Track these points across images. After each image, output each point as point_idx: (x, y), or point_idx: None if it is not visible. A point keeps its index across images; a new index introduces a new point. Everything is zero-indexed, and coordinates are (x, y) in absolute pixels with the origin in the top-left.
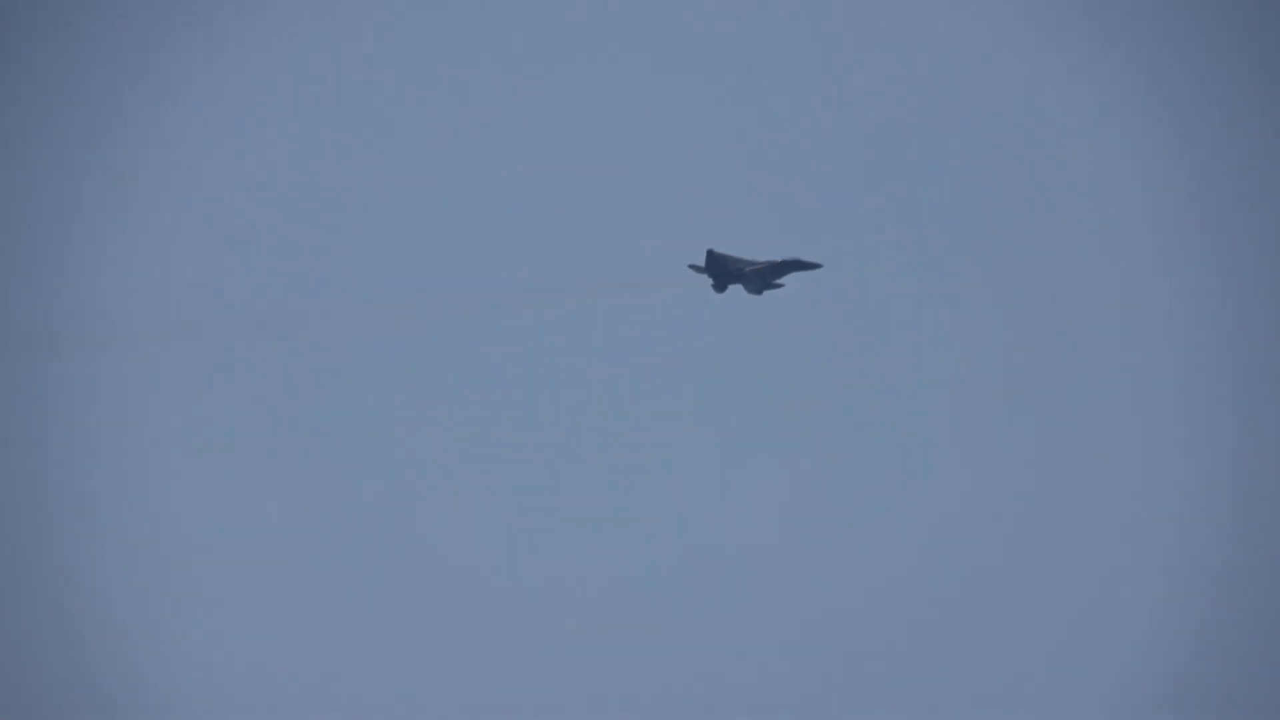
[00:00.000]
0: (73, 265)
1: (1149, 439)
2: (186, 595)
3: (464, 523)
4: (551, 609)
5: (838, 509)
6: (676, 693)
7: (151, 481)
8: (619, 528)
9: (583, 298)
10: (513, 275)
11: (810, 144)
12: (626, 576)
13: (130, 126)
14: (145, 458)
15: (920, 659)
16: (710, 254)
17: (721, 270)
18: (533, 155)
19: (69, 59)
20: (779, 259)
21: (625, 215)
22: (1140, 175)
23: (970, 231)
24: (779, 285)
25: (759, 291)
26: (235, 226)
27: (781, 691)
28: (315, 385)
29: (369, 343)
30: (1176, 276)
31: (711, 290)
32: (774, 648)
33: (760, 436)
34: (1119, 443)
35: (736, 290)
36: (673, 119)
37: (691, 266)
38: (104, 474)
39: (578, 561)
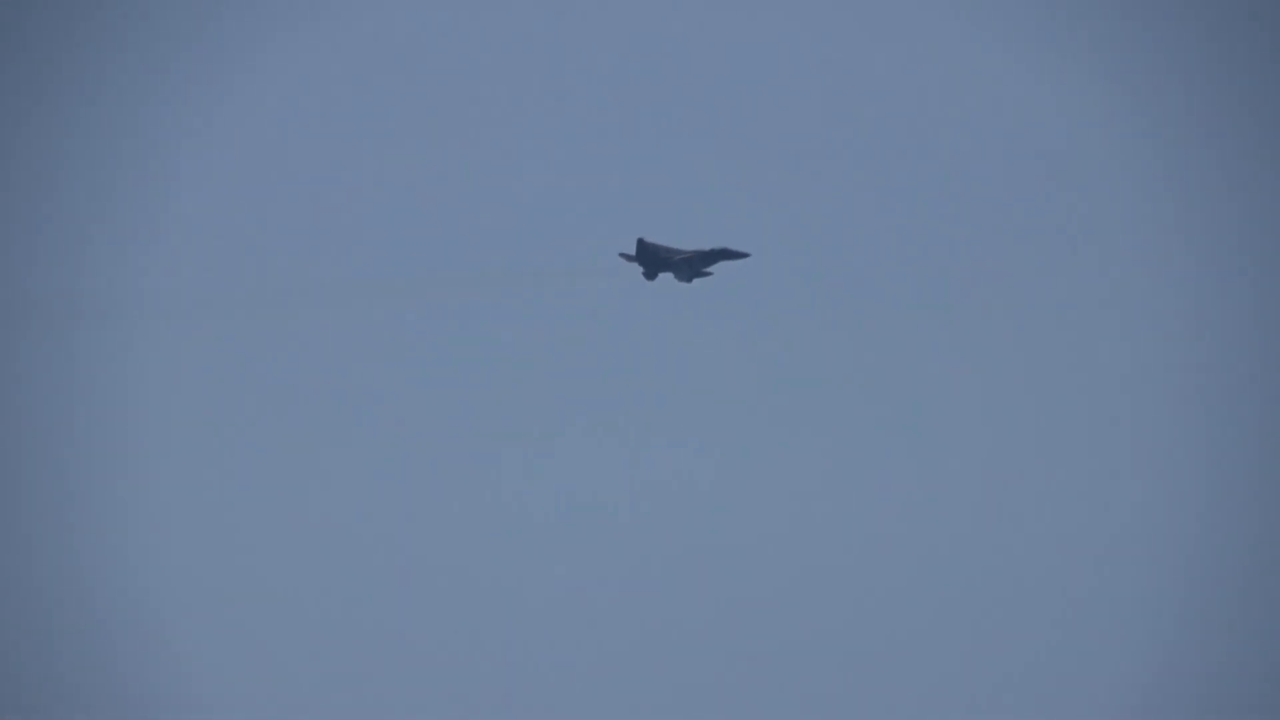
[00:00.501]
0: (73, 246)
1: (1129, 436)
2: (186, 584)
3: (418, 514)
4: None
5: (778, 494)
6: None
7: (150, 467)
8: (555, 516)
9: (515, 285)
10: (447, 262)
11: (747, 133)
12: (580, 564)
13: (131, 112)
14: (145, 441)
15: (897, 659)
16: (640, 243)
17: (652, 259)
18: (471, 144)
19: (70, 49)
20: (707, 248)
21: (556, 203)
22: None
23: (919, 222)
24: (708, 273)
25: (689, 279)
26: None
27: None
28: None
29: (310, 328)
30: (1145, 274)
31: (642, 278)
32: (727, 641)
33: (697, 421)
34: (1077, 437)
35: (666, 277)
36: (608, 109)
37: (622, 255)
38: (104, 457)
39: (534, 551)
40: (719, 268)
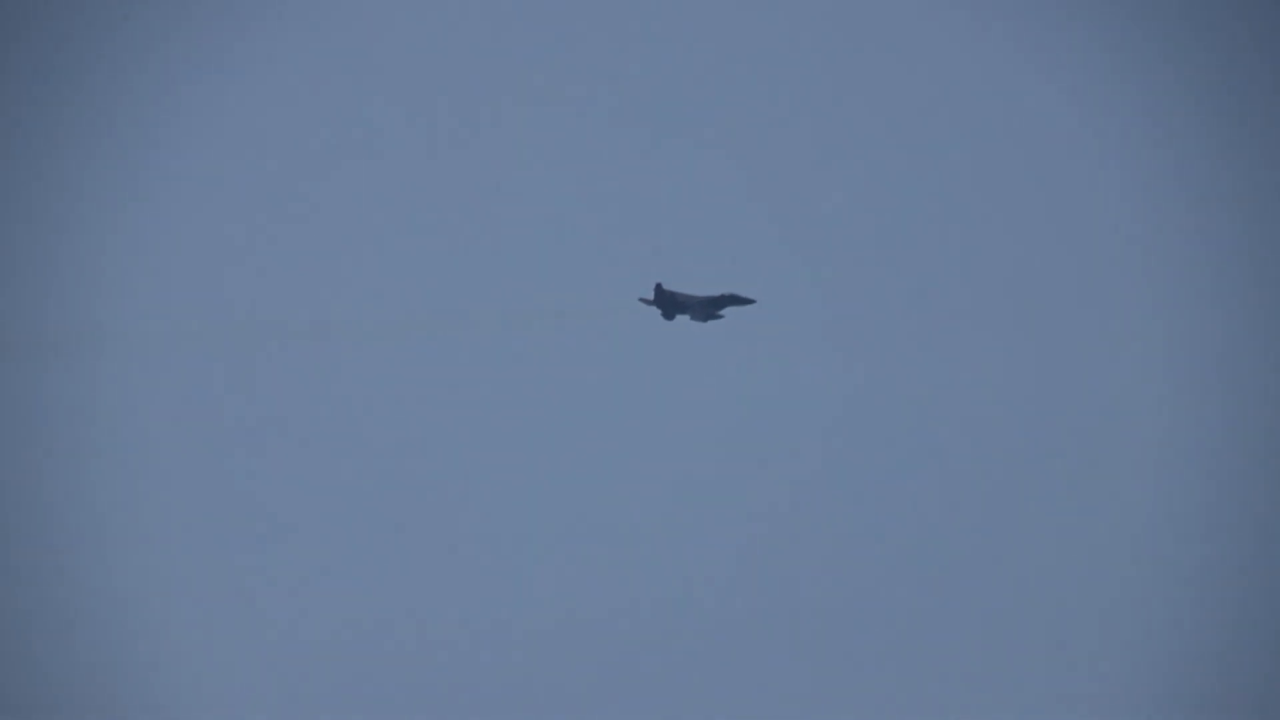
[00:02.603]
0: (68, 268)
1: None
2: (179, 601)
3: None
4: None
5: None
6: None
7: (146, 487)
8: (575, 542)
9: (547, 320)
10: (485, 297)
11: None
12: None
13: (127, 127)
14: (140, 462)
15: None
16: (658, 288)
17: (669, 303)
18: (502, 182)
19: (69, 56)
20: (717, 294)
21: (579, 245)
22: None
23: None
24: (720, 316)
25: (704, 320)
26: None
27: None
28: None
29: (324, 359)
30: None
31: (661, 318)
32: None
33: (720, 442)
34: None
35: (683, 319)
36: (624, 151)
37: (641, 299)
38: (99, 478)
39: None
40: (729, 311)
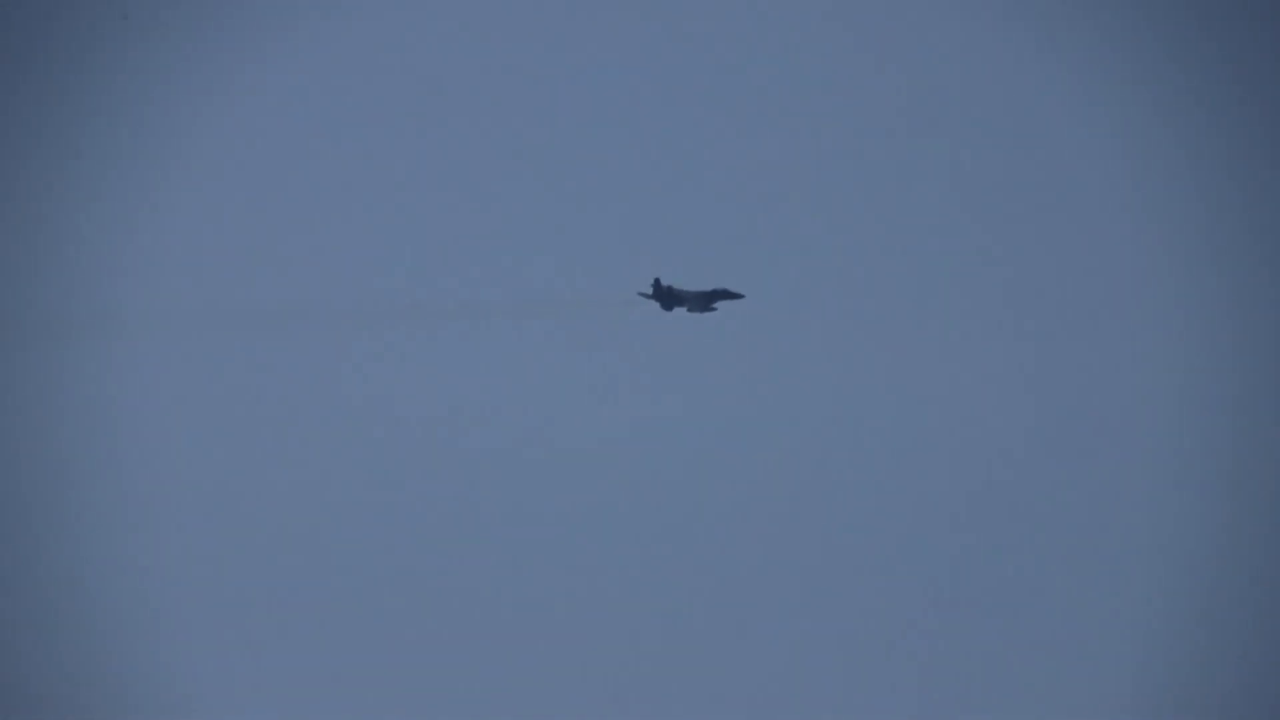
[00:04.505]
0: (75, 257)
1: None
2: (183, 592)
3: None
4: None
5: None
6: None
7: (150, 475)
8: (583, 534)
9: (552, 312)
10: (493, 286)
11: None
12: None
13: (132, 120)
14: (143, 451)
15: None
16: (656, 283)
17: (666, 296)
18: (509, 172)
19: (72, 53)
20: (709, 289)
21: (582, 238)
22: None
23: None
24: (714, 309)
25: (701, 311)
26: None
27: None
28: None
29: (332, 348)
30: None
31: (660, 310)
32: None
33: (723, 431)
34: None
35: (680, 310)
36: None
37: (640, 294)
38: (104, 466)
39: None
40: (722, 304)
